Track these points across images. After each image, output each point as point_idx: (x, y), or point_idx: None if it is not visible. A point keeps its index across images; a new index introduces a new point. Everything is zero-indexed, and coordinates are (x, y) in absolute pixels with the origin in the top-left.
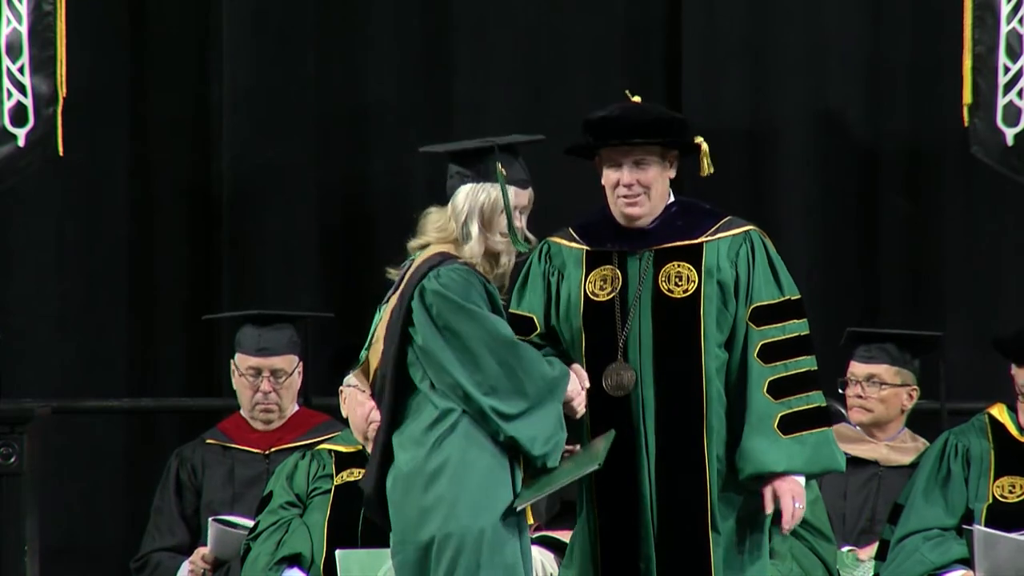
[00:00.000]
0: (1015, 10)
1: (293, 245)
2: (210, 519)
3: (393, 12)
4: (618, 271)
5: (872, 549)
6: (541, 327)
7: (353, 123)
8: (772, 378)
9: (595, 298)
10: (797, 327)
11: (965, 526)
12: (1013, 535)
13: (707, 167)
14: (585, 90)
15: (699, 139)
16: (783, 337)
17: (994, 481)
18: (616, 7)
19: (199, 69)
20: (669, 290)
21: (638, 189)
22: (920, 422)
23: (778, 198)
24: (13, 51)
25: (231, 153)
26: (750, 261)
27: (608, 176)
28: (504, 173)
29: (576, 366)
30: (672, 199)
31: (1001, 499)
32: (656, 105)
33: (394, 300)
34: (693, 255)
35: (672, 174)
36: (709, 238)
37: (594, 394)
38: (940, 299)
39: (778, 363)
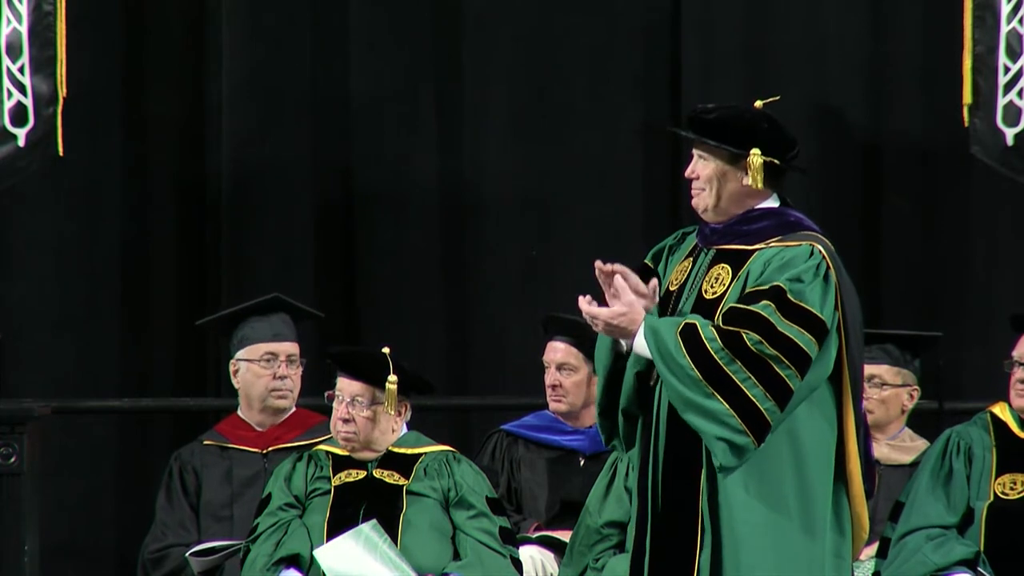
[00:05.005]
0: (1015, 10)
1: (291, 245)
2: (188, 556)
3: (393, 12)
4: (691, 265)
5: (872, 548)
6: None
7: (352, 124)
8: None
9: (670, 287)
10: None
11: None
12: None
13: (751, 180)
14: (585, 90)
15: (755, 151)
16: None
17: (995, 478)
18: (616, 7)
19: (197, 68)
20: (705, 291)
21: (698, 184)
22: (920, 422)
23: None
24: (13, 51)
25: (230, 153)
26: (780, 272)
27: None
28: None
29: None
30: (763, 206)
31: (1002, 496)
32: (745, 107)
33: None
34: (740, 260)
35: (746, 180)
36: (764, 246)
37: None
38: (940, 299)
39: None
